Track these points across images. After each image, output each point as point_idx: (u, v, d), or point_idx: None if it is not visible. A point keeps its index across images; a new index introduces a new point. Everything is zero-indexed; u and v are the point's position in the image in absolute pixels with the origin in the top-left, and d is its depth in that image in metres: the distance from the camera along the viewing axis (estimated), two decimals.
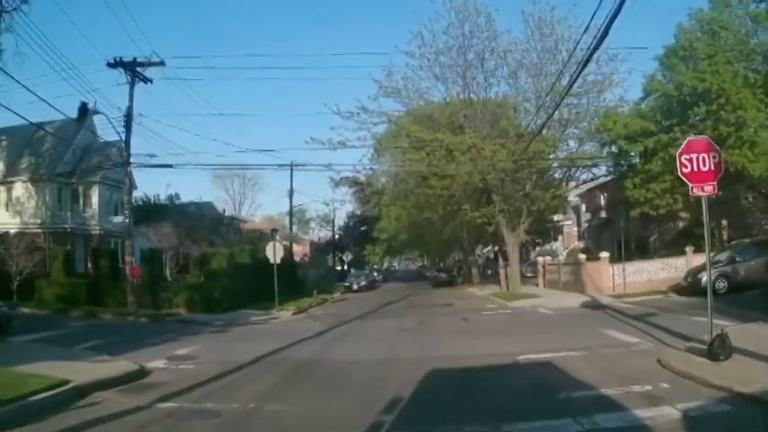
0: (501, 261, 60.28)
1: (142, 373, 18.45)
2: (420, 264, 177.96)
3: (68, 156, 62.08)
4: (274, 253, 45.70)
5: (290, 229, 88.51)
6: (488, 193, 51.89)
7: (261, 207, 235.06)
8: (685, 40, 42.73)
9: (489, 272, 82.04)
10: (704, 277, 33.99)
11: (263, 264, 47.41)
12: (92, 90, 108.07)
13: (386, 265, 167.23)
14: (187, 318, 40.56)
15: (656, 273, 44.95)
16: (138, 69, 42.27)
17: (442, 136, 47.53)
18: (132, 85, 42.27)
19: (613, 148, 48.36)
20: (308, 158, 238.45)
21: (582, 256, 49.15)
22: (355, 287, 77.04)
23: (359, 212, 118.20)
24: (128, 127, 42.70)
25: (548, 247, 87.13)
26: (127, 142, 43.44)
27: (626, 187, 46.98)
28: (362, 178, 79.08)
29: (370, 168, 58.21)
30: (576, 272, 49.42)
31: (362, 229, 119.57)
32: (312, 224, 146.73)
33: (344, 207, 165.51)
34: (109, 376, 16.88)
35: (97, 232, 62.80)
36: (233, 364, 19.77)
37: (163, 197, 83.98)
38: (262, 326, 36.76)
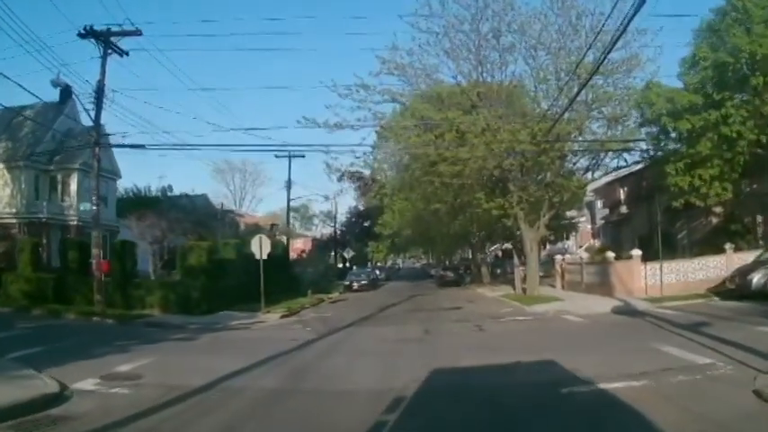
0: (515, 259, 55.74)
1: (57, 398, 14.38)
2: (425, 262, 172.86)
3: (48, 141, 58.22)
4: (260, 248, 41.26)
5: (288, 222, 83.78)
6: (504, 182, 46.47)
7: (262, 202, 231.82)
8: (737, 2, 37.12)
9: (498, 271, 79.73)
10: (755, 278, 31.84)
11: (252, 260, 42.73)
12: (63, 65, 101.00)
13: (389, 262, 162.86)
14: (158, 320, 36.35)
15: (692, 273, 40.17)
16: (112, 40, 38.63)
17: (453, 115, 42.22)
18: (105, 57, 38.78)
19: (651, 129, 43.25)
20: (301, 142, 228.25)
21: (611, 254, 43.73)
22: (355, 286, 72.31)
23: (361, 208, 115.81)
24: (98, 103, 39.05)
25: (559, 245, 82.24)
26: (96, 120, 40.03)
27: (667, 173, 41.45)
28: (365, 172, 75.21)
29: (372, 155, 51.82)
30: (602, 272, 44.63)
31: (365, 225, 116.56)
32: (315, 220, 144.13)
33: (346, 201, 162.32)
34: (3, 404, 12.84)
35: (75, 223, 59.10)
36: (179, 390, 15.08)
37: (154, 189, 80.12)
38: (240, 332, 32.14)
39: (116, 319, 36.12)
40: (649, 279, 39.69)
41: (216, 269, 42.64)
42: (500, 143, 40.55)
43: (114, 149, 60.12)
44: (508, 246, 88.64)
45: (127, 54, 39.42)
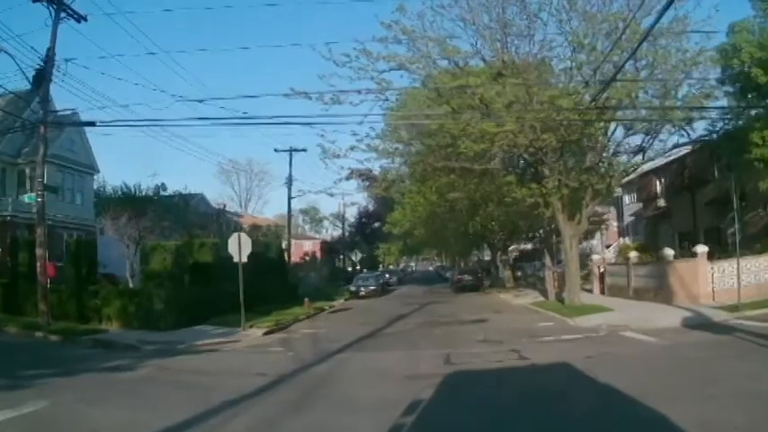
0: (548, 260, 48.23)
1: None
2: (438, 264, 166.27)
3: (17, 131, 50.41)
4: (239, 248, 33.75)
5: (288, 221, 76.63)
6: (537, 165, 39.09)
7: (269, 204, 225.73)
8: None
9: (519, 274, 73.58)
10: None
11: (233, 264, 34.91)
12: (13, 36, 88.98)
13: (402, 265, 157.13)
14: (110, 338, 30.09)
15: (764, 273, 33.61)
16: (66, 1, 32.61)
17: (476, 81, 34.90)
18: (56, 21, 32.70)
19: (731, 89, 35.95)
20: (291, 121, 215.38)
21: (669, 252, 36.72)
22: (362, 292, 65.23)
23: (371, 208, 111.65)
24: (46, 75, 32.57)
25: (583, 244, 75.28)
26: (44, 95, 33.59)
27: (750, 144, 33.71)
28: (375, 170, 68.75)
29: (376, 136, 44.31)
30: (657, 274, 37.77)
31: (375, 226, 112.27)
32: (325, 223, 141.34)
33: (354, 198, 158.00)
34: None
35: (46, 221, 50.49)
36: None
37: (146, 188, 73.09)
38: (201, 358, 25.44)
39: (61, 335, 30.36)
40: (717, 282, 33.36)
41: (186, 274, 37.02)
42: (536, 113, 33.40)
43: (91, 138, 56.15)
44: (526, 247, 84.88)
45: (85, 19, 33.51)
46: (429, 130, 40.62)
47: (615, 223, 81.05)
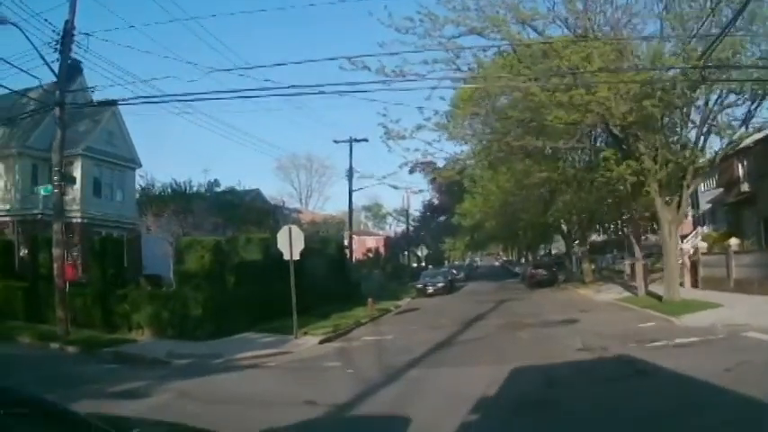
0: (637, 251, 43.28)
1: None
2: (505, 259, 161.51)
3: (48, 124, 46.49)
4: (290, 243, 29.28)
5: (350, 214, 72.28)
6: (627, 141, 34.73)
7: (330, 201, 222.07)
8: None
9: (593, 267, 67.01)
10: None
11: (285, 262, 30.43)
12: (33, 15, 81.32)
13: (467, 260, 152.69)
14: (135, 350, 26.12)
15: None
16: None
17: (561, 43, 30.44)
18: None
19: None
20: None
21: None
22: (430, 290, 60.01)
23: (436, 202, 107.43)
24: (63, 50, 29.14)
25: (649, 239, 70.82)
26: (61, 73, 29.61)
27: None
28: (439, 162, 64.60)
29: (446, 114, 39.71)
30: (766, 263, 33.52)
31: (440, 219, 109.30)
32: (389, 219, 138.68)
33: (420, 195, 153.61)
34: None
35: (78, 219, 48.46)
36: None
37: (197, 184, 69.18)
38: (237, 378, 20.70)
39: (80, 346, 26.60)
40: None
41: (230, 274, 32.66)
42: (633, 75, 29.07)
43: (126, 128, 52.85)
44: (595, 238, 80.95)
45: None
46: (508, 104, 36.60)
47: (690, 212, 75.89)
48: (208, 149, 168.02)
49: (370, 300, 42.47)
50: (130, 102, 30.56)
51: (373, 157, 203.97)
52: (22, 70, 30.11)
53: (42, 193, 32.81)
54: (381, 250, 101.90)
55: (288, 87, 26.56)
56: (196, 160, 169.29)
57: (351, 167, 66.47)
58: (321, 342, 28.05)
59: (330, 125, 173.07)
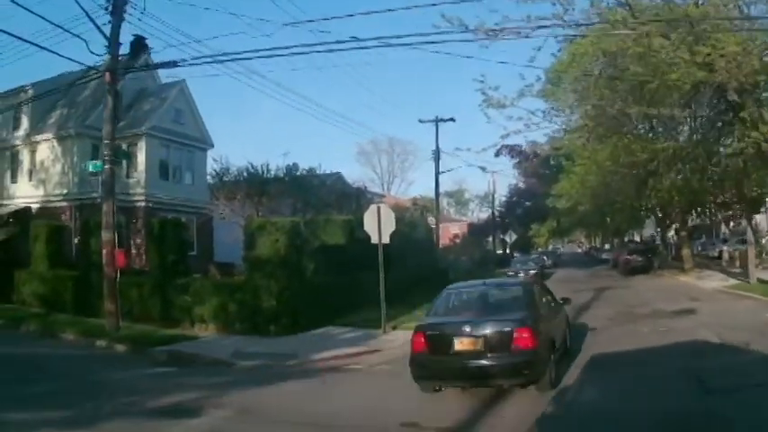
0: (749, 234, 39.02)
1: None
2: (589, 245, 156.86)
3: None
4: (379, 225, 25.51)
5: (436, 197, 68.39)
6: (745, 106, 29.90)
7: (413, 185, 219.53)
8: None
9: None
10: None
11: (371, 246, 27.02)
12: None
13: (550, 247, 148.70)
14: (194, 348, 22.43)
15: None
16: None
17: None
18: None
19: None
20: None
21: None
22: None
23: (522, 186, 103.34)
24: (115, 11, 25.81)
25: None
26: (112, 36, 25.88)
27: None
28: (525, 147, 59.93)
29: (550, 80, 35.54)
30: None
31: (527, 205, 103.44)
32: (471, 205, 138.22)
33: (506, 180, 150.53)
34: None
35: (143, 204, 45.15)
36: None
37: (275, 168, 65.89)
38: (313, 387, 16.65)
39: (130, 344, 23.41)
40: None
41: (309, 260, 28.85)
42: None
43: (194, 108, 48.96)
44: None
45: None
46: (621, 64, 32.08)
47: None
48: (287, 132, 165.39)
49: None
50: (192, 62, 26.24)
51: (461, 139, 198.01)
52: (73, 34, 26.13)
53: (91, 169, 28.82)
54: (458, 236, 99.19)
55: (372, 39, 21.79)
56: (275, 144, 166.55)
57: (437, 148, 63.23)
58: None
59: (417, 105, 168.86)
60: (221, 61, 25.92)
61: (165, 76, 48.58)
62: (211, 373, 18.95)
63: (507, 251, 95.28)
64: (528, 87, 31.88)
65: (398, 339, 22.78)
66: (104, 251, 25.29)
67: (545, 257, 79.14)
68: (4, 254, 34.93)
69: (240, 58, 25.03)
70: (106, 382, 17.42)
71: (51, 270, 33.25)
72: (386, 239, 25.51)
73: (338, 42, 23.58)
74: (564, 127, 40.79)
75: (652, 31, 26.75)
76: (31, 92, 43.51)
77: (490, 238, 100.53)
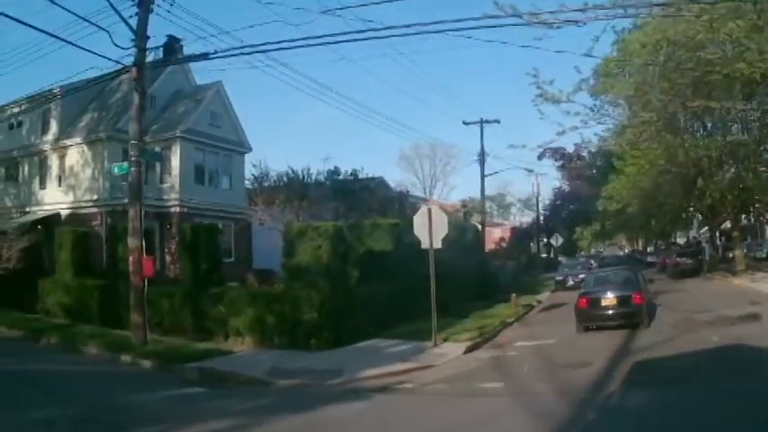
0: None
1: None
2: (632, 248, 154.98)
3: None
4: (430, 228, 23.66)
5: (482, 199, 66.39)
6: None
7: (455, 190, 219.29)
8: None
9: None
10: None
11: (418, 252, 25.45)
12: None
13: (592, 251, 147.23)
14: (228, 365, 20.30)
15: None
16: None
17: None
18: None
19: None
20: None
21: None
22: (571, 282, 52.26)
23: (566, 189, 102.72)
24: (142, 2, 24.21)
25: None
26: (139, 29, 24.01)
27: None
28: (573, 147, 59.13)
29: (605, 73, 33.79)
30: None
31: (571, 207, 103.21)
32: (513, 209, 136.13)
33: (549, 183, 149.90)
34: None
35: (177, 209, 43.83)
36: None
37: (316, 172, 64.45)
38: (361, 412, 14.79)
39: (158, 359, 21.46)
40: None
41: (353, 268, 27.05)
42: None
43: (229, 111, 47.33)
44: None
45: None
46: (685, 55, 30.19)
47: None
48: (328, 135, 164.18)
49: (513, 295, 37.21)
50: (224, 54, 24.28)
51: (506, 142, 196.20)
52: (98, 27, 24.17)
53: (116, 172, 26.88)
54: (504, 240, 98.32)
55: (415, 25, 19.74)
56: (314, 147, 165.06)
57: (482, 150, 61.22)
58: (467, 351, 22.22)
59: (461, 107, 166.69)
60: (254, 52, 23.86)
61: (199, 76, 47.83)
62: (246, 394, 17.06)
63: (553, 255, 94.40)
64: (584, 81, 30.26)
65: (451, 353, 21.39)
66: (131, 259, 23.58)
67: (592, 261, 76.99)
68: (28, 262, 33.30)
69: (275, 49, 22.39)
70: (124, 406, 15.42)
71: (77, 278, 31.59)
72: (437, 244, 23.63)
73: (373, 30, 21.63)
74: (622, 122, 39.29)
75: (723, 15, 24.98)
76: (59, 95, 42.41)
77: (535, 242, 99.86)
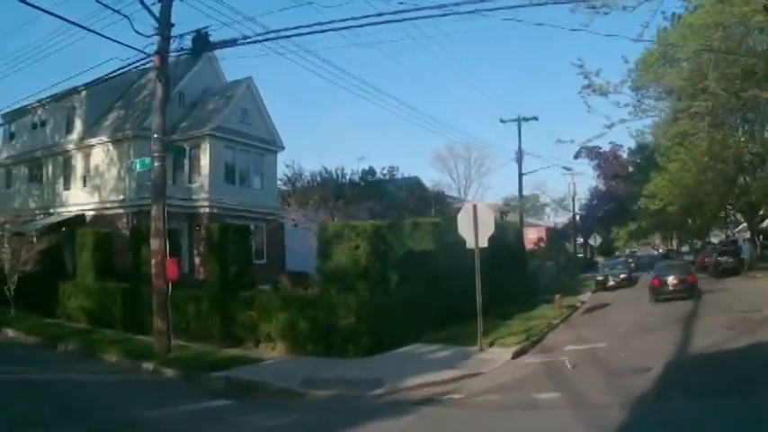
0: None
1: None
2: (666, 248, 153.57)
3: (171, 104, 40.69)
4: (475, 227, 22.24)
5: (520, 195, 64.96)
6: None
7: (489, 190, 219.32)
8: None
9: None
10: None
11: (460, 252, 24.23)
12: None
13: (627, 251, 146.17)
14: (257, 374, 18.76)
15: None
16: None
17: None
18: None
19: None
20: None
21: None
22: (611, 282, 53.85)
23: (602, 188, 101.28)
24: None
25: None
26: (162, 16, 22.60)
27: None
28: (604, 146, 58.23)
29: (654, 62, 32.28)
30: None
31: (607, 207, 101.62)
32: (547, 210, 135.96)
33: (585, 183, 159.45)
34: None
35: (206, 210, 42.55)
36: None
37: (350, 172, 63.35)
38: (408, 426, 13.36)
39: (182, 367, 19.91)
40: None
41: (393, 270, 25.73)
42: None
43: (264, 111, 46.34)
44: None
45: None
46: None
47: None
48: (361, 136, 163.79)
49: (557, 296, 36.13)
50: (253, 40, 22.77)
51: (544, 139, 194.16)
52: (120, 14, 22.72)
53: (138, 168, 25.43)
54: (542, 240, 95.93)
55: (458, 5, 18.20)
56: (348, 146, 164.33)
57: (520, 149, 60.68)
58: (515, 356, 20.64)
59: (498, 103, 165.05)
60: (279, 38, 22.34)
61: (229, 73, 47.46)
62: (277, 407, 15.55)
63: (590, 255, 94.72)
64: (632, 71, 29.02)
65: (498, 358, 19.91)
66: (153, 261, 22.17)
67: (630, 261, 76.54)
68: (48, 264, 32.10)
69: (305, 33, 20.91)
70: (140, 423, 13.99)
71: (98, 282, 30.36)
72: (483, 243, 22.21)
73: (401, 12, 20.07)
74: (669, 115, 37.89)
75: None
76: (84, 93, 41.59)
77: (572, 242, 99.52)
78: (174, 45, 22.82)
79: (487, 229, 22.25)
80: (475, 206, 22.86)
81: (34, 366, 21.06)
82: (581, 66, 29.74)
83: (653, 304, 37.41)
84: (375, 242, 23.15)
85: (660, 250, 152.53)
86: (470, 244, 22.03)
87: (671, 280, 38.72)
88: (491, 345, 21.84)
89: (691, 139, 40.94)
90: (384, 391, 15.92)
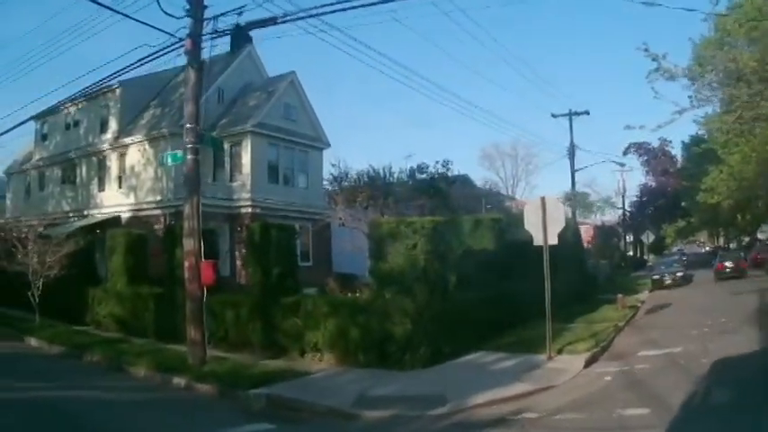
0: None
1: None
2: (714, 245, 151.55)
3: (210, 102, 40.79)
4: (543, 222, 20.57)
5: (573, 192, 63.76)
6: None
7: (537, 189, 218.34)
8: None
9: None
10: None
11: (524, 250, 24.75)
12: None
13: (675, 248, 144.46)
14: (303, 390, 16.82)
15: None
16: None
17: None
18: None
19: None
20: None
21: None
22: (668, 281, 52.78)
23: (652, 185, 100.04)
24: None
25: None
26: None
27: None
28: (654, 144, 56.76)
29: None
30: None
31: (658, 203, 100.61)
32: (593, 208, 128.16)
33: (634, 180, 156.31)
34: None
35: (248, 210, 41.08)
36: None
37: (398, 170, 61.86)
38: None
39: (217, 382, 17.87)
40: None
41: (452, 272, 23.57)
42: None
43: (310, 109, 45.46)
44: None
45: None
46: None
47: None
48: (407, 134, 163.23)
49: (619, 295, 34.48)
50: (291, 18, 20.86)
51: (595, 135, 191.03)
52: None
53: (170, 162, 23.35)
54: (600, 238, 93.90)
55: None
56: (393, 145, 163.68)
57: (572, 144, 60.58)
58: (587, 364, 18.69)
59: (550, 96, 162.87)
60: (326, 13, 20.36)
61: (270, 69, 46.69)
62: (326, 429, 13.85)
63: (640, 253, 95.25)
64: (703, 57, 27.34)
65: (570, 368, 18.02)
66: (186, 264, 20.31)
67: (684, 259, 74.93)
68: (76, 268, 30.37)
69: (348, 7, 18.97)
70: None
71: (130, 287, 28.74)
72: (553, 240, 20.54)
73: None
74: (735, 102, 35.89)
75: None
76: (118, 92, 42.02)
77: (623, 239, 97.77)
78: (207, 28, 21.10)
79: (557, 225, 20.56)
80: (543, 199, 21.00)
81: (52, 381, 19.49)
82: (646, 50, 27.75)
83: (717, 300, 36.14)
84: (434, 240, 21.07)
85: (707, 248, 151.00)
86: (538, 240, 20.40)
87: (728, 264, 55.37)
88: (559, 352, 20.05)
89: (751, 126, 38.88)
90: (448, 411, 14.08)
